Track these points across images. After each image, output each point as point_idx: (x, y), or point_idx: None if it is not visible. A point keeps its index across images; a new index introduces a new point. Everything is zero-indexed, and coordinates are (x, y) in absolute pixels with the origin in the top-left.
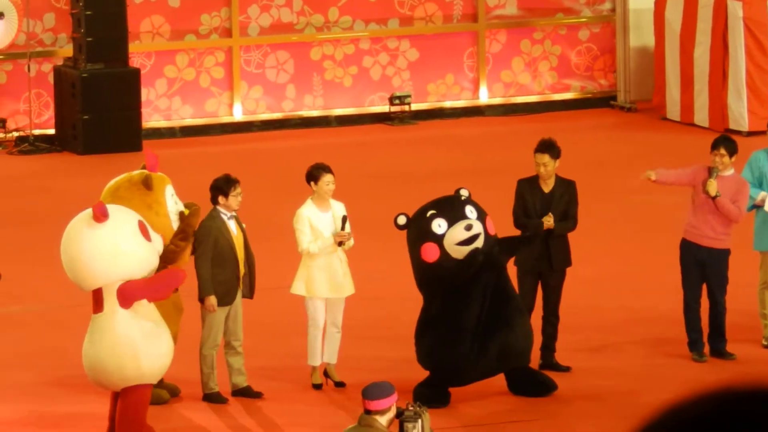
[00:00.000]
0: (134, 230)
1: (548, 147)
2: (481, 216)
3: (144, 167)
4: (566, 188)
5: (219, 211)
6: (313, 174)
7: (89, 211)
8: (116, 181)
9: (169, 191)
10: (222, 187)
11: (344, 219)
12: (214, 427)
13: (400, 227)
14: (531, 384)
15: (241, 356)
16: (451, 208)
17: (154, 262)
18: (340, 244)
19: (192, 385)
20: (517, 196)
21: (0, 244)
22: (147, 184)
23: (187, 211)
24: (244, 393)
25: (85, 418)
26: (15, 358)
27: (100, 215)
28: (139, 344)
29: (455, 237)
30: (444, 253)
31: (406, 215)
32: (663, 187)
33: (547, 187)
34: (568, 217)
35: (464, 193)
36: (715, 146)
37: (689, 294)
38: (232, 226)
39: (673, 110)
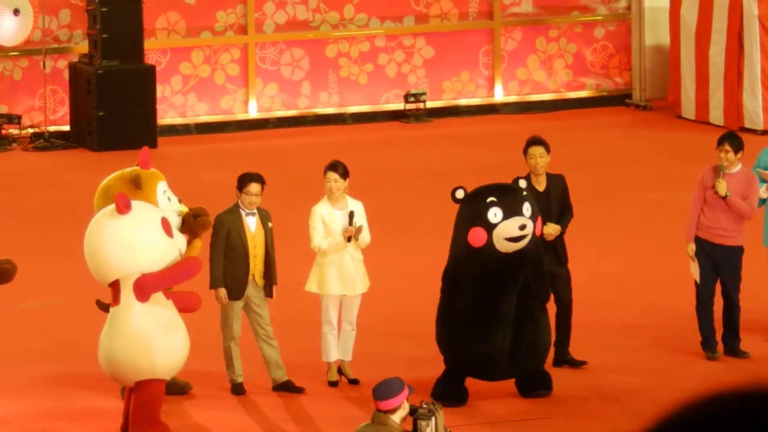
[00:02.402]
0: (156, 225)
1: (541, 141)
2: (534, 215)
3: (137, 164)
4: (558, 184)
5: (238, 205)
6: (324, 172)
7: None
8: (108, 179)
9: (161, 188)
10: (239, 182)
11: (351, 214)
12: (227, 423)
13: (457, 201)
14: (532, 381)
15: (274, 349)
16: (512, 201)
17: (175, 258)
18: (349, 239)
19: (206, 380)
20: None
21: (15, 240)
22: (136, 182)
23: (185, 211)
24: (286, 388)
25: (100, 413)
26: (31, 353)
27: (123, 207)
28: (153, 338)
29: (507, 231)
30: (490, 242)
31: (465, 190)
32: (678, 184)
33: (540, 185)
34: (564, 211)
35: (522, 184)
36: (720, 143)
37: (702, 291)
38: (250, 222)
39: (688, 108)
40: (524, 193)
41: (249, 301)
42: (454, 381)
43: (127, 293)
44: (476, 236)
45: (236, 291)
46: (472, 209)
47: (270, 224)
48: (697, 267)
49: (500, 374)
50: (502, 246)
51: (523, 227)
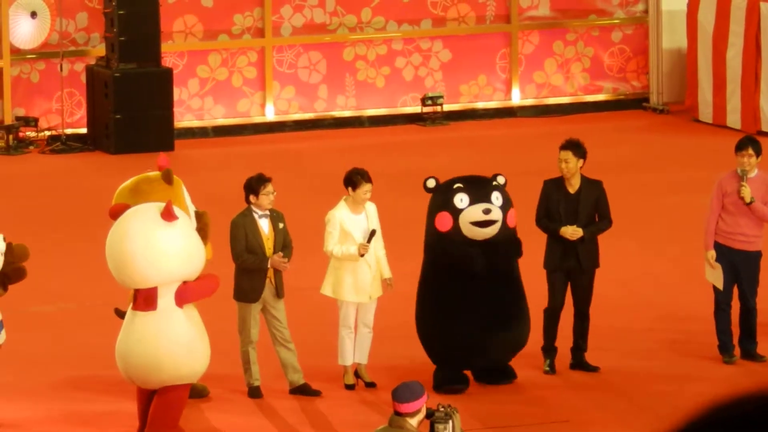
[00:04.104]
0: (195, 233)
1: (573, 145)
2: (506, 206)
3: (158, 168)
4: (593, 189)
5: (251, 209)
6: (353, 180)
7: (148, 208)
8: (132, 180)
9: (184, 190)
10: (252, 185)
11: (372, 232)
12: (244, 427)
13: (428, 190)
14: (493, 371)
15: (292, 353)
16: (479, 188)
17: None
18: (362, 255)
19: (222, 384)
20: (541, 196)
21: (31, 243)
22: (168, 178)
23: (201, 211)
24: (302, 391)
25: (115, 416)
26: (47, 357)
27: (173, 215)
28: (196, 343)
29: (471, 216)
30: (456, 227)
31: (437, 180)
32: (695, 188)
33: (573, 188)
34: (601, 218)
35: (500, 180)
36: (741, 147)
37: (721, 296)
38: (263, 224)
39: (706, 112)
40: (495, 183)
41: (266, 303)
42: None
43: (167, 299)
44: (442, 221)
45: (253, 294)
46: (440, 196)
47: (281, 225)
48: (719, 273)
49: (476, 362)
50: (469, 231)
51: (488, 211)
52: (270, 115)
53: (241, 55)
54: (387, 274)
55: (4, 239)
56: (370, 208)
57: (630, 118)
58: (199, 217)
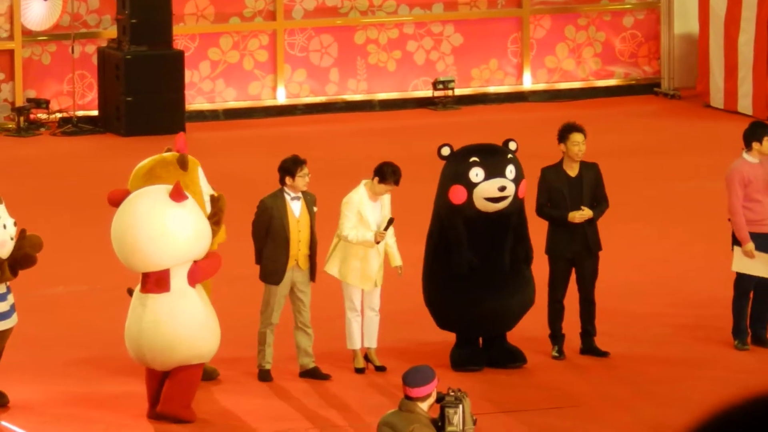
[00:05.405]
0: (200, 209)
1: (581, 127)
2: (518, 178)
3: (169, 150)
4: (591, 171)
5: (284, 191)
6: (384, 174)
7: (156, 190)
8: (147, 161)
9: (200, 173)
10: (289, 167)
11: (390, 221)
12: (254, 409)
13: (442, 157)
14: (502, 353)
15: (309, 337)
16: (495, 162)
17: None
18: (377, 242)
19: (233, 366)
20: (541, 185)
21: (42, 225)
22: (182, 163)
23: (217, 194)
24: (312, 374)
25: (128, 398)
26: (58, 339)
27: (182, 195)
28: (211, 323)
29: (486, 192)
30: (470, 201)
31: (451, 147)
32: (706, 173)
33: (574, 171)
34: (600, 201)
35: (512, 146)
36: (760, 136)
37: (746, 283)
38: (295, 207)
39: (717, 97)
40: (509, 156)
41: (294, 286)
42: (468, 344)
43: (180, 280)
44: (456, 194)
45: (275, 276)
46: (455, 168)
47: (315, 208)
48: (762, 261)
49: (483, 327)
50: (482, 205)
51: (503, 188)
52: (281, 99)
53: (253, 38)
54: (398, 261)
55: (15, 224)
56: (385, 195)
57: (641, 104)
58: (215, 201)
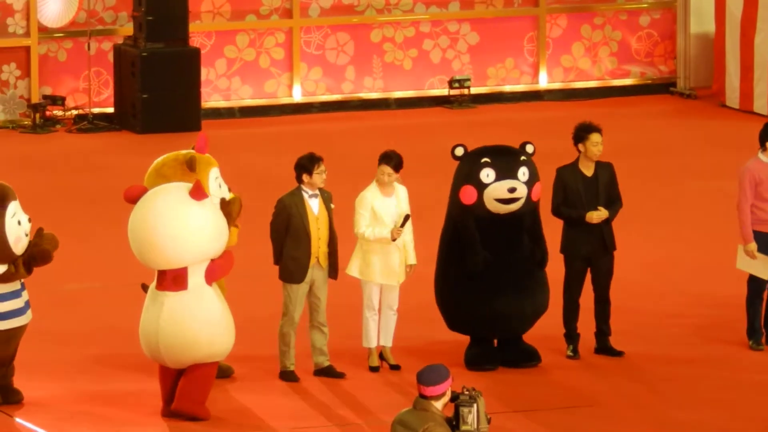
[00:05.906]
0: (218, 207)
1: (598, 127)
2: (532, 180)
3: (194, 148)
4: (606, 170)
5: (301, 188)
6: (381, 156)
7: (176, 188)
8: (162, 158)
9: (214, 174)
10: (306, 165)
11: (406, 218)
12: (269, 406)
13: (456, 158)
14: (517, 353)
15: (324, 336)
16: (507, 163)
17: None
18: (394, 239)
19: (246, 364)
20: (557, 184)
21: (57, 222)
22: (190, 165)
23: (232, 196)
24: (326, 373)
25: (142, 396)
26: (72, 336)
27: (203, 193)
28: (228, 321)
29: (496, 193)
30: (480, 201)
31: (465, 148)
32: (722, 173)
33: (589, 171)
34: (613, 200)
35: (529, 149)
36: None
37: (760, 284)
38: (313, 204)
39: (733, 97)
40: (523, 158)
41: (313, 284)
42: (482, 343)
43: (196, 278)
44: (467, 194)
45: (298, 274)
46: (467, 168)
47: (332, 206)
48: (764, 263)
49: (496, 329)
50: (493, 206)
51: (512, 190)
52: (297, 96)
53: (269, 35)
54: (411, 260)
55: (30, 221)
56: (401, 191)
57: (657, 103)
58: (224, 204)
